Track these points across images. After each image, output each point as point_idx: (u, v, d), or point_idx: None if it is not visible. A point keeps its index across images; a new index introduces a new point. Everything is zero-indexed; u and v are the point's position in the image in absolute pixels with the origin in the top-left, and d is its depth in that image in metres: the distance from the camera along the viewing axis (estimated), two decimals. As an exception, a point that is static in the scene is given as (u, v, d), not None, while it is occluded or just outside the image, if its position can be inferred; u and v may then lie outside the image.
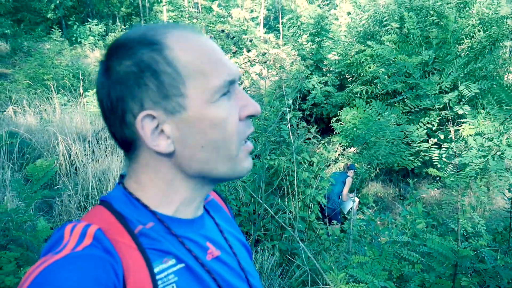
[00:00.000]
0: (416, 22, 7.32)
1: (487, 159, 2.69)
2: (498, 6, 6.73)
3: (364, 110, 3.42)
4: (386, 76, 8.32)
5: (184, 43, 0.66)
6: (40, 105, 7.16)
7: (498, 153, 2.78)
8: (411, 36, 5.93)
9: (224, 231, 0.82)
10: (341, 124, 8.04)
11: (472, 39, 6.37)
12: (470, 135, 2.86)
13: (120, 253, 0.60)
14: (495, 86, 3.06)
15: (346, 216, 6.30)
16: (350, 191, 6.44)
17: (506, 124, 2.80)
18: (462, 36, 6.36)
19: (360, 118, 5.97)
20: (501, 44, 6.54)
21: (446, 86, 3.01)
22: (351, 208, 6.14)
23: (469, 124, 3.38)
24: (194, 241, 0.71)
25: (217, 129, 0.66)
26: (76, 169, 4.68)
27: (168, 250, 0.66)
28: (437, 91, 2.95)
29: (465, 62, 4.34)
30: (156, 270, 0.62)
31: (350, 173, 6.51)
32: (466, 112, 2.96)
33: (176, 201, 0.71)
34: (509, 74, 7.99)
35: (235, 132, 0.68)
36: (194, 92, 0.64)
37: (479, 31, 6.48)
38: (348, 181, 6.29)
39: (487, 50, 6.24)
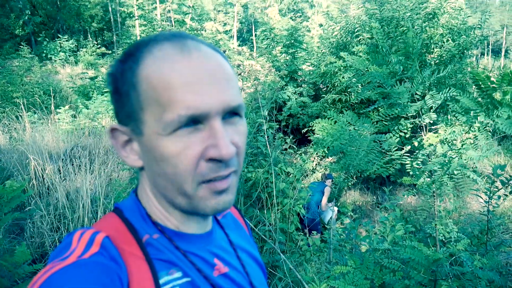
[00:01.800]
0: (386, 33, 7.50)
1: (450, 163, 2.75)
2: (466, 17, 6.95)
3: (335, 122, 3.46)
4: (359, 85, 8.47)
5: (157, 63, 0.60)
6: (10, 123, 6.94)
7: (456, 156, 2.85)
8: (380, 47, 6.06)
9: (237, 249, 0.79)
10: (316, 135, 8.12)
11: (442, 48, 6.57)
12: (435, 144, 2.92)
13: (126, 262, 0.60)
14: (458, 95, 3.13)
15: (326, 225, 6.30)
16: (329, 200, 6.46)
17: (473, 128, 2.87)
18: (431, 45, 6.55)
19: (331, 129, 6.05)
20: (469, 52, 6.75)
21: (417, 94, 3.07)
22: (330, 218, 6.15)
23: (437, 132, 3.44)
24: (200, 256, 0.69)
25: (166, 164, 0.60)
26: (48, 189, 4.53)
27: (174, 262, 0.65)
28: (409, 100, 3.00)
29: (431, 71, 4.45)
30: (161, 281, 0.61)
31: (328, 182, 6.51)
32: (432, 121, 3.02)
33: (174, 216, 0.69)
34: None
35: (188, 171, 0.60)
36: (150, 120, 0.60)
37: (447, 40, 6.68)
38: (327, 191, 6.28)
39: (456, 59, 6.44)
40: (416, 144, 3.06)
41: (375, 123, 3.28)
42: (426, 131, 3.03)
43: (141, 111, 0.61)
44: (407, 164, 2.90)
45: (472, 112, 2.83)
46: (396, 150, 3.06)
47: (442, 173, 2.64)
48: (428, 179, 2.84)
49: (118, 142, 0.66)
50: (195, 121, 0.59)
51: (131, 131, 0.64)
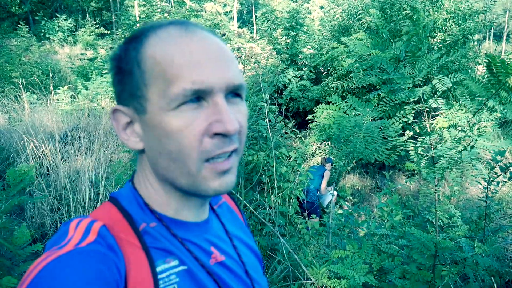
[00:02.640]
0: (389, 16, 7.39)
1: (461, 151, 2.73)
2: (474, 2, 6.84)
3: (340, 107, 3.43)
4: (361, 70, 8.40)
5: (162, 42, 0.62)
6: (8, 104, 6.90)
7: (471, 143, 2.82)
8: (380, 32, 5.99)
9: (233, 238, 0.80)
10: (316, 122, 8.08)
11: (445, 32, 6.49)
12: (444, 128, 2.90)
13: (123, 251, 0.60)
14: (466, 79, 3.10)
15: (325, 209, 6.33)
16: (328, 184, 6.47)
17: (478, 115, 2.85)
18: (435, 30, 6.48)
19: (335, 116, 5.99)
20: (473, 37, 6.68)
21: (419, 80, 3.04)
22: (330, 201, 6.17)
23: (443, 117, 3.42)
24: (197, 245, 0.70)
25: (170, 140, 0.60)
26: (47, 170, 4.53)
27: (171, 250, 0.65)
28: (411, 85, 2.97)
29: (440, 54, 4.39)
30: (158, 269, 0.62)
31: (328, 166, 6.51)
32: (440, 105, 2.99)
33: (172, 203, 0.69)
34: (478, 66, 8.20)
35: (193, 147, 0.60)
36: (154, 97, 0.61)
37: (450, 25, 6.60)
38: (326, 175, 6.29)
39: (459, 43, 6.37)
40: (418, 130, 3.04)
41: (376, 107, 3.25)
42: (428, 117, 3.02)
43: (145, 88, 0.62)
44: (411, 150, 2.89)
45: (478, 97, 2.80)
46: (396, 136, 3.04)
47: (451, 160, 2.63)
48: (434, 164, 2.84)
49: (120, 124, 0.67)
50: (199, 97, 0.60)
51: (134, 110, 0.64)
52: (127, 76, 0.64)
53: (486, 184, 3.03)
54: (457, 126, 2.89)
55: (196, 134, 0.60)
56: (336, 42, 8.83)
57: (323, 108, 6.81)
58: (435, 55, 3.12)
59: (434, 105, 2.93)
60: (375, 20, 3.35)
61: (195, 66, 0.59)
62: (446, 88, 2.94)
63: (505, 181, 3.07)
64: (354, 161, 8.04)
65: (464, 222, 3.35)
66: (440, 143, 2.89)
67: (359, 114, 3.12)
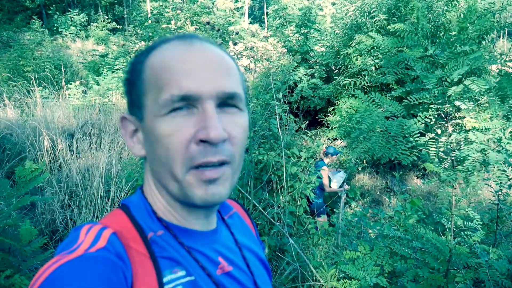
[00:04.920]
0: (401, 15, 7.28)
1: (487, 153, 2.66)
2: (491, 1, 6.68)
3: (363, 102, 3.37)
4: (373, 68, 8.31)
5: (162, 54, 0.65)
6: (21, 98, 6.95)
7: (498, 147, 2.76)
8: (420, 27, 5.85)
9: (243, 248, 0.80)
10: (335, 117, 7.98)
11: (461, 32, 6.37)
12: (474, 128, 2.82)
13: (131, 259, 0.60)
14: (499, 80, 3.02)
15: (334, 209, 6.25)
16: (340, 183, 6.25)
17: (509, 118, 2.79)
18: (450, 30, 6.39)
19: (359, 107, 5.84)
20: (489, 37, 6.57)
21: (447, 81, 2.96)
22: (339, 202, 6.08)
23: (472, 117, 3.34)
24: (204, 254, 0.70)
25: (160, 145, 0.62)
26: (60, 166, 4.55)
27: (178, 260, 0.65)
28: (438, 85, 2.90)
29: (478, 54, 4.24)
30: (165, 279, 0.62)
31: (328, 159, 6.14)
32: (470, 107, 2.91)
33: (175, 210, 0.69)
34: (492, 66, 8.06)
35: (178, 152, 0.61)
36: (149, 103, 0.64)
37: (467, 25, 6.47)
38: (324, 173, 5.84)
39: (474, 43, 6.25)
40: (439, 131, 2.99)
41: (404, 106, 3.19)
42: (450, 119, 2.96)
43: (143, 96, 0.65)
44: (433, 150, 2.84)
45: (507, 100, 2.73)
46: (417, 136, 2.99)
47: (476, 162, 2.57)
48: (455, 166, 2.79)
49: (127, 131, 0.70)
50: (189, 104, 0.61)
51: (136, 118, 0.68)
52: (132, 86, 0.68)
53: (498, 187, 2.99)
54: (484, 128, 2.82)
55: (183, 140, 0.61)
56: (357, 36, 8.57)
57: (344, 101, 6.69)
58: (475, 53, 3.04)
59: (463, 106, 2.85)
60: (416, 13, 3.27)
61: (185, 73, 0.61)
62: (483, 90, 2.86)
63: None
64: (365, 161, 7.99)
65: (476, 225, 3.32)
66: (464, 144, 2.83)
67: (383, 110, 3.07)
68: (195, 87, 0.61)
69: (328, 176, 6.04)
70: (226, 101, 0.64)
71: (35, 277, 0.53)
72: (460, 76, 2.62)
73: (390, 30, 3.73)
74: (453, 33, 3.11)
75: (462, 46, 2.80)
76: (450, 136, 2.71)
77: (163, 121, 0.61)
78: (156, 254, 0.63)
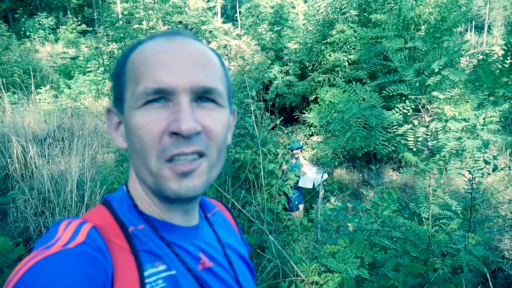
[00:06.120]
0: (372, 10, 7.37)
1: (463, 141, 2.72)
2: None
3: (344, 91, 3.38)
4: (346, 64, 8.40)
5: (144, 48, 0.66)
6: (-12, 105, 6.73)
7: (473, 135, 2.82)
8: (402, 18, 5.89)
9: (226, 247, 0.80)
10: (317, 105, 7.95)
11: (430, 25, 6.52)
12: (452, 118, 2.88)
13: (112, 253, 0.60)
14: (476, 70, 3.09)
15: (312, 205, 6.29)
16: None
17: (483, 107, 2.86)
18: (419, 23, 6.50)
19: (340, 96, 5.84)
20: (456, 30, 6.74)
21: (424, 73, 3.01)
22: (317, 196, 6.11)
23: (451, 106, 3.41)
24: (184, 249, 0.70)
25: (135, 136, 0.63)
26: (32, 172, 4.43)
27: (159, 254, 0.65)
28: (414, 76, 2.95)
29: (457, 46, 4.32)
30: (146, 273, 0.62)
31: (295, 155, 6.01)
32: (448, 96, 2.97)
33: (155, 204, 0.69)
34: (461, 58, 8.27)
35: (152, 144, 0.61)
36: (128, 96, 0.65)
37: (435, 18, 6.63)
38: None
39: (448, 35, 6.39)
40: (416, 122, 3.04)
41: (383, 98, 3.21)
42: (425, 110, 3.02)
43: (124, 89, 0.66)
44: (410, 140, 2.88)
45: (488, 88, 2.80)
46: (395, 126, 3.04)
47: (452, 151, 2.63)
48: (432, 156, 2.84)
49: (112, 123, 0.71)
50: (164, 97, 0.62)
51: (118, 111, 0.69)
52: (117, 80, 0.69)
53: (471, 176, 3.06)
54: (463, 119, 2.87)
55: (155, 132, 0.61)
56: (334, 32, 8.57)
57: (327, 90, 6.66)
58: (458, 45, 3.10)
59: (441, 96, 2.90)
60: (400, 3, 3.31)
61: (161, 66, 0.62)
62: (462, 80, 2.90)
63: (489, 173, 3.11)
64: (341, 156, 8.07)
65: (450, 213, 3.39)
66: (441, 133, 2.88)
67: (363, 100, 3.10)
68: (169, 81, 0.61)
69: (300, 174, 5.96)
70: (203, 96, 0.64)
71: (12, 274, 0.52)
72: (440, 67, 2.67)
73: (373, 20, 3.75)
74: (433, 22, 3.17)
75: (443, 36, 2.86)
76: (429, 126, 2.77)
77: (138, 113, 0.62)
78: (137, 248, 0.63)
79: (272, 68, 10.13)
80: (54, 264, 0.52)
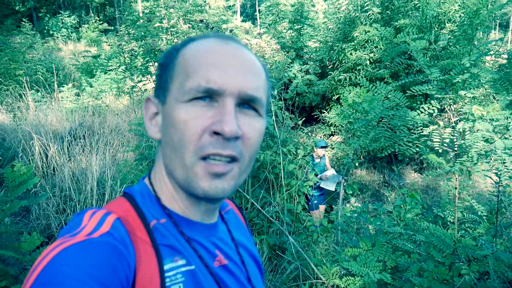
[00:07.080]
0: (395, 8, 7.22)
1: (494, 141, 2.61)
2: None
3: (368, 91, 3.32)
4: (367, 62, 8.27)
5: (197, 46, 0.67)
6: (13, 102, 6.86)
7: (505, 135, 2.72)
8: (425, 18, 5.75)
9: (239, 246, 0.81)
10: (339, 105, 7.89)
11: (455, 23, 6.35)
12: (480, 118, 2.77)
13: (135, 246, 0.61)
14: (504, 70, 2.98)
15: (332, 206, 6.20)
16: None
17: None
18: (444, 21, 6.34)
19: (365, 96, 5.74)
20: (481, 28, 6.53)
21: (450, 73, 2.91)
22: (338, 198, 6.01)
23: (478, 105, 3.29)
24: (203, 245, 0.71)
25: (176, 129, 0.63)
26: (53, 170, 4.48)
27: (178, 249, 0.66)
28: (440, 76, 2.86)
29: (488, 43, 4.18)
30: (166, 267, 0.63)
31: (316, 152, 5.92)
32: (476, 95, 2.87)
33: (180, 199, 0.70)
34: (486, 57, 8.05)
35: (191, 140, 0.62)
36: (174, 88, 0.66)
37: (460, 16, 6.46)
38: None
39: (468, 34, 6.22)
40: (442, 123, 2.95)
41: (407, 98, 3.12)
42: (451, 110, 2.92)
43: (170, 80, 0.67)
44: (436, 141, 2.79)
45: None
46: (420, 127, 2.96)
47: (481, 152, 2.53)
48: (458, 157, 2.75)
49: (148, 112, 0.72)
50: (211, 97, 0.63)
51: (159, 101, 0.70)
52: (163, 70, 0.70)
53: (498, 178, 2.95)
54: (491, 119, 2.77)
55: (198, 129, 0.62)
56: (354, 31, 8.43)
57: (349, 91, 6.57)
58: (487, 42, 2.98)
59: (469, 95, 2.79)
60: (421, 4, 3.23)
61: (215, 67, 0.63)
62: (491, 79, 2.80)
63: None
64: (361, 156, 7.96)
65: (476, 216, 3.29)
66: (468, 133, 2.78)
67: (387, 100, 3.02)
68: (221, 82, 0.62)
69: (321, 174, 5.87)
70: (246, 102, 0.65)
71: (38, 260, 0.53)
72: (472, 62, 2.57)
73: (397, 26, 3.66)
74: (464, 17, 3.06)
75: (474, 32, 2.75)
76: (456, 126, 2.66)
77: (183, 107, 0.63)
78: (157, 242, 0.64)
79: (292, 67, 10.04)
80: (79, 252, 0.53)
